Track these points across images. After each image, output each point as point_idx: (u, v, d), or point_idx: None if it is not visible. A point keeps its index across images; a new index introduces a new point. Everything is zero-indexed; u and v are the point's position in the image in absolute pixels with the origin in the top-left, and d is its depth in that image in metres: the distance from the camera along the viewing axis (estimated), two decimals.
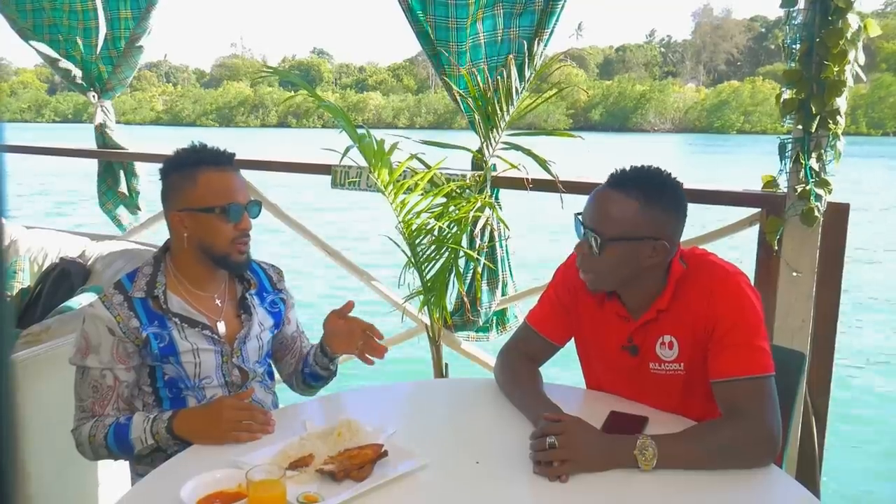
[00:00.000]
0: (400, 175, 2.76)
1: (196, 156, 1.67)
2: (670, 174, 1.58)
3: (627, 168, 1.58)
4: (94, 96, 4.00)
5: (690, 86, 71.34)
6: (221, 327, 1.71)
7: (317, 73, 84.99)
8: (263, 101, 68.72)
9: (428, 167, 2.87)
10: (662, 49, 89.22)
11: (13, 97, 69.90)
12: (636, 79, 70.78)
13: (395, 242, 2.82)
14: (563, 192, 2.70)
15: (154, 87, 79.90)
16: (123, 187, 4.12)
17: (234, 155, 1.71)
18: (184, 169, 1.66)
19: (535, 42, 2.75)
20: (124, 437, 1.57)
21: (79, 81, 4.00)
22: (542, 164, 2.75)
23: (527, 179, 2.83)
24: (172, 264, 1.72)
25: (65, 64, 3.96)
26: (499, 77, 2.79)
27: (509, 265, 3.02)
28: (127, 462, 1.79)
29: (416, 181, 2.77)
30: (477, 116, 2.82)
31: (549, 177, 2.76)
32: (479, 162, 2.91)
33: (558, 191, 2.71)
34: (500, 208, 2.93)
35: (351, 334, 1.74)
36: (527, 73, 2.79)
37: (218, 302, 1.74)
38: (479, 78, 2.80)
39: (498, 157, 2.90)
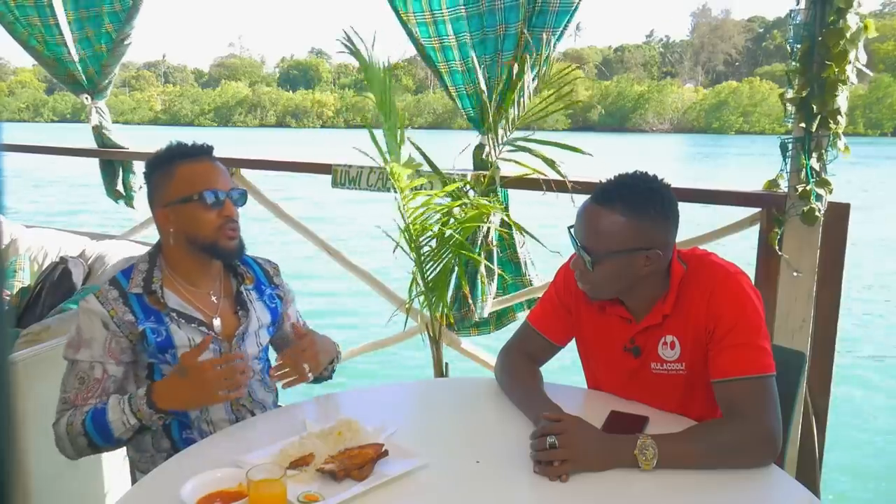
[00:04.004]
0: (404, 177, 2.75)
1: (171, 152, 1.70)
2: (656, 178, 1.55)
3: (612, 179, 1.56)
4: (86, 98, 3.99)
5: (689, 86, 71.43)
6: (217, 323, 1.70)
7: (315, 74, 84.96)
8: (262, 101, 68.71)
9: (435, 168, 2.86)
10: (661, 49, 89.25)
11: (11, 97, 69.86)
12: (635, 79, 70.79)
13: (398, 244, 2.81)
14: (574, 192, 2.67)
15: (152, 86, 79.90)
16: (120, 185, 4.12)
17: (211, 147, 1.72)
18: (162, 167, 1.69)
19: (544, 42, 2.73)
20: (102, 420, 1.54)
21: (70, 82, 4.00)
22: (551, 164, 2.73)
23: (543, 181, 2.76)
24: (165, 262, 1.71)
25: (55, 65, 3.96)
26: (500, 74, 2.78)
27: (511, 265, 3.02)
28: (127, 462, 1.79)
29: (423, 183, 2.77)
30: (476, 113, 2.82)
31: (557, 177, 2.74)
32: (480, 161, 2.90)
33: (567, 190, 2.69)
34: (507, 209, 2.92)
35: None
36: (539, 71, 2.75)
37: (214, 298, 1.73)
38: (477, 75, 2.78)
39: (508, 159, 2.88)
